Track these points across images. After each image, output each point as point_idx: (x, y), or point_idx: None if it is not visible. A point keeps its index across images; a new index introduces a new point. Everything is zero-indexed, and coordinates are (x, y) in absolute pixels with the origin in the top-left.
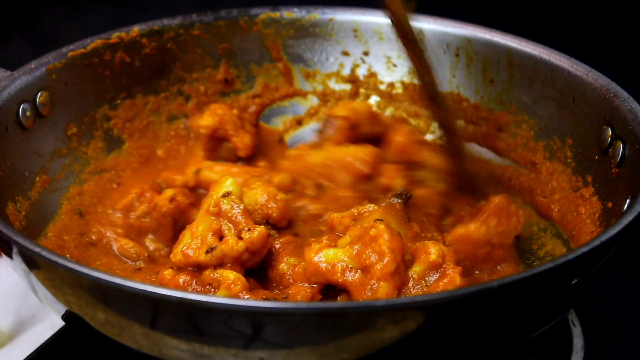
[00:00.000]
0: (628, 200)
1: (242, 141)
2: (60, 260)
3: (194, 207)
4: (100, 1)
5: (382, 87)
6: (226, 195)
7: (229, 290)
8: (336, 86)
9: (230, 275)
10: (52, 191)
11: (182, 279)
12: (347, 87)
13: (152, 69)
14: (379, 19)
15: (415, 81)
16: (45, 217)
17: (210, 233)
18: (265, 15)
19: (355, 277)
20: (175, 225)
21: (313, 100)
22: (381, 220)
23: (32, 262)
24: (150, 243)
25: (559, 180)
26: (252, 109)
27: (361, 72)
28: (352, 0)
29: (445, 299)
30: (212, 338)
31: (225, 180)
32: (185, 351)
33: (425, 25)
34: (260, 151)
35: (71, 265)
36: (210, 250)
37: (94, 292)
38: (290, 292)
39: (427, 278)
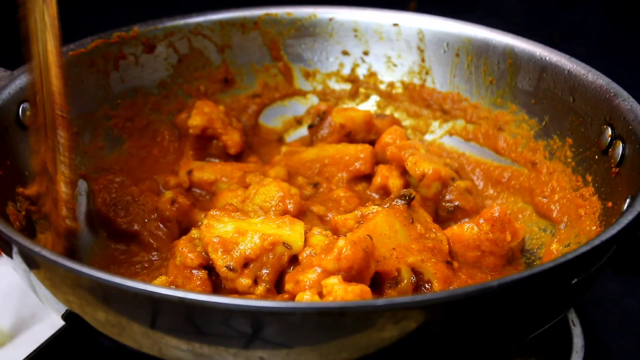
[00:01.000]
0: (628, 200)
1: (231, 139)
2: (60, 260)
3: (194, 207)
4: (100, 1)
5: (382, 86)
6: (287, 247)
7: None
8: (336, 86)
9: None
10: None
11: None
12: (347, 86)
13: (152, 69)
14: (379, 19)
15: (417, 81)
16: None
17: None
18: (265, 15)
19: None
20: (180, 226)
21: (313, 100)
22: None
23: (32, 261)
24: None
25: (559, 180)
26: (252, 108)
27: (361, 71)
28: (352, 0)
29: (445, 298)
30: (212, 338)
31: (299, 229)
32: (185, 351)
33: (426, 25)
34: (250, 148)
35: (71, 265)
36: None
37: (94, 292)
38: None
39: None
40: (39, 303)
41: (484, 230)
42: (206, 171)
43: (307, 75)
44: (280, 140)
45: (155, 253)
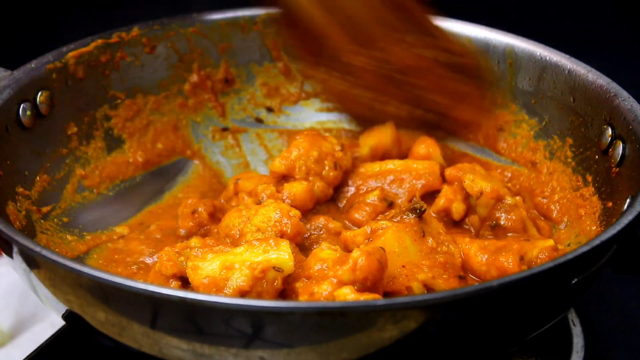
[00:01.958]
0: (628, 200)
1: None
2: (61, 260)
3: (212, 217)
4: (100, 1)
5: None
6: (278, 270)
7: None
8: None
9: None
10: (53, 191)
11: None
12: None
13: (152, 69)
14: None
15: None
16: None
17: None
18: (266, 15)
19: None
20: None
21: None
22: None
23: (32, 261)
24: None
25: (559, 180)
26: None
27: None
28: None
29: (445, 298)
30: (212, 337)
31: (285, 249)
32: (186, 350)
33: None
34: None
35: (71, 264)
36: None
37: (95, 292)
38: None
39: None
40: (39, 303)
41: None
42: (250, 181)
43: (307, 76)
44: None
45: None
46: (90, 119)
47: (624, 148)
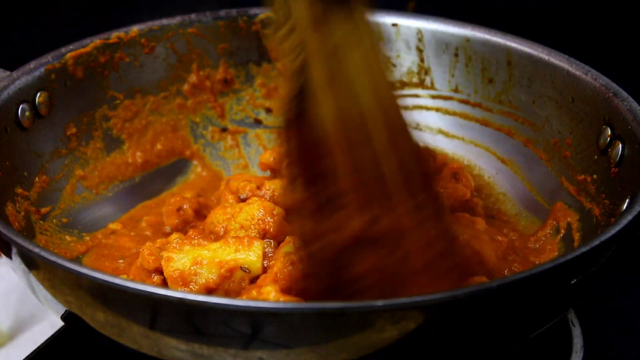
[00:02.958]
0: (627, 200)
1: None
2: (60, 261)
3: (198, 214)
4: (99, 1)
5: None
6: (245, 270)
7: None
8: None
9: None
10: (52, 191)
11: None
12: None
13: (151, 69)
14: (378, 19)
15: (415, 80)
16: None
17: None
18: (265, 15)
19: None
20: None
21: None
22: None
23: (32, 262)
24: None
25: None
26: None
27: None
28: None
29: (445, 299)
30: (211, 338)
31: (257, 250)
32: (185, 351)
33: (424, 25)
34: None
35: (70, 265)
36: None
37: (94, 293)
38: None
39: None
40: (39, 303)
41: None
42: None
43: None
44: None
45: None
46: (89, 120)
47: (623, 148)
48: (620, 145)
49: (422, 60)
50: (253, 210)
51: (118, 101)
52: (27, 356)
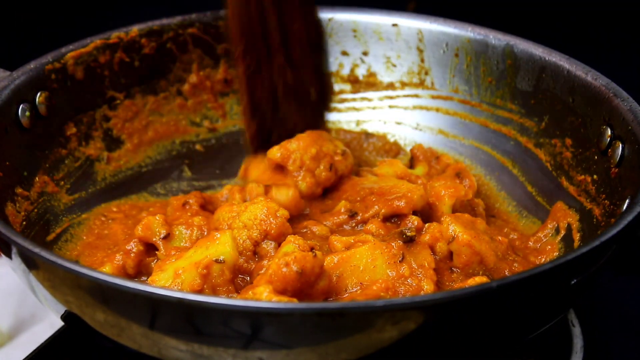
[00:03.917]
0: (627, 201)
1: (285, 191)
2: (60, 261)
3: (205, 210)
4: (99, 1)
5: (382, 87)
6: (219, 262)
7: None
8: (335, 86)
9: None
10: (52, 191)
11: None
12: (347, 86)
13: (152, 69)
14: (378, 19)
15: (415, 80)
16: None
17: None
18: None
19: None
20: None
21: None
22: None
23: (32, 262)
24: None
25: None
26: None
27: (360, 72)
28: (351, 1)
29: (445, 299)
30: (211, 338)
31: (225, 239)
32: (185, 351)
33: (425, 25)
34: None
35: (71, 265)
36: None
37: (94, 293)
38: None
39: None
40: (39, 303)
41: None
42: (258, 169)
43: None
44: None
45: None
46: (90, 120)
47: (623, 148)
48: (620, 145)
49: (422, 60)
50: (256, 211)
51: (118, 101)
52: (28, 356)
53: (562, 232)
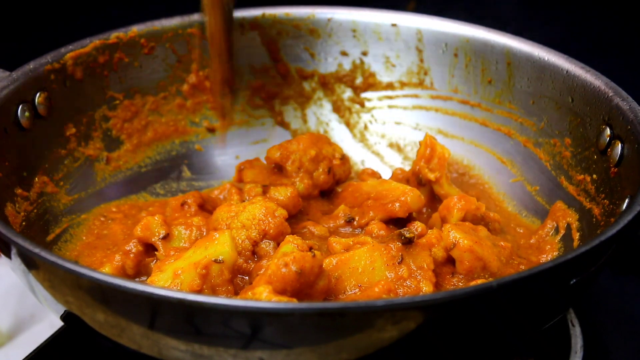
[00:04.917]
0: (627, 200)
1: (283, 190)
2: (60, 261)
3: (203, 210)
4: (98, 1)
5: (381, 87)
6: (218, 262)
7: None
8: (335, 86)
9: None
10: (51, 192)
11: None
12: (346, 87)
13: (151, 69)
14: (377, 19)
15: (415, 80)
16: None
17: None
18: (264, 15)
19: None
20: None
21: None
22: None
23: (31, 262)
24: None
25: None
26: None
27: (359, 72)
28: (350, 1)
29: (445, 298)
30: (211, 338)
31: (224, 239)
32: (185, 351)
33: (424, 25)
34: None
35: (71, 266)
36: None
37: (94, 293)
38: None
39: None
40: (38, 304)
41: None
42: (253, 171)
43: (306, 76)
44: None
45: None
46: (89, 120)
47: (622, 148)
48: (619, 145)
49: (421, 60)
50: (255, 210)
51: (117, 101)
52: (27, 356)
53: (562, 232)
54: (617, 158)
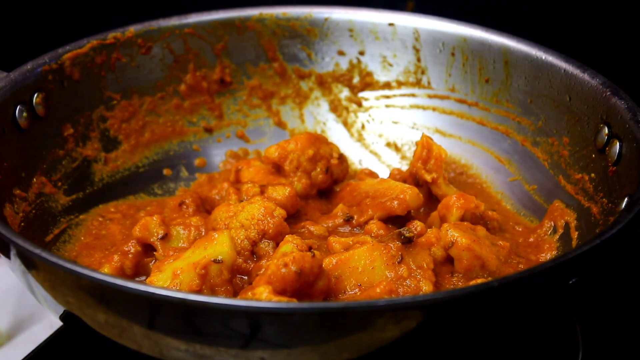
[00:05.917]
0: (626, 199)
1: (281, 190)
2: (60, 262)
3: (201, 210)
4: (96, 1)
5: (378, 86)
6: (218, 262)
7: None
8: (332, 86)
9: None
10: (49, 192)
11: None
12: (343, 86)
13: (148, 69)
14: (374, 19)
15: (412, 79)
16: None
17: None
18: (261, 15)
19: None
20: None
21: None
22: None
23: (31, 263)
24: None
25: None
26: None
27: (357, 71)
28: (347, 0)
29: (446, 298)
30: (212, 338)
31: (223, 239)
32: (186, 352)
33: (421, 24)
34: None
35: (72, 266)
36: None
37: (95, 294)
38: None
39: None
40: (37, 304)
41: None
42: (252, 166)
43: (303, 76)
44: None
45: None
46: (87, 120)
47: (620, 147)
48: (618, 143)
49: (418, 59)
50: (254, 210)
51: (115, 102)
52: (27, 356)
53: (560, 231)
54: (616, 157)
